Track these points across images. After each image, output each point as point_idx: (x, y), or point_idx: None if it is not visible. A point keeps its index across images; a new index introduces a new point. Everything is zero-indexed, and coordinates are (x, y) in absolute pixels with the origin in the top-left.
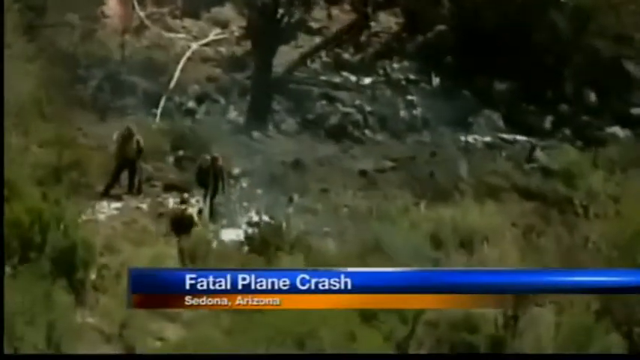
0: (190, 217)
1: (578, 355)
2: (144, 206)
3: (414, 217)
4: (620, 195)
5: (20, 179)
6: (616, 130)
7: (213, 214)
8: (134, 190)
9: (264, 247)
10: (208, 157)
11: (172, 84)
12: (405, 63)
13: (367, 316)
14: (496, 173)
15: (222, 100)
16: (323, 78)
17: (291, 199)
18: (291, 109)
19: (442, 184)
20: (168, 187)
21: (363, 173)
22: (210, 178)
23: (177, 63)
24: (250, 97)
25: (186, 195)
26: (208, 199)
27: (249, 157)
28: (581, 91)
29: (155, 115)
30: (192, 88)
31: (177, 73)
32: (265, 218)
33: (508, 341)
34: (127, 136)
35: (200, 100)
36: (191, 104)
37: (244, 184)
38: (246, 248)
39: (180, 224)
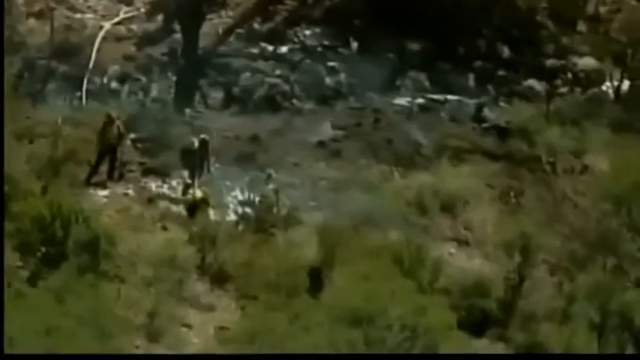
0: (203, 199)
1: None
2: (130, 192)
3: (395, 185)
4: (581, 150)
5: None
6: (532, 83)
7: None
8: (114, 176)
9: (258, 224)
10: (194, 139)
11: (91, 65)
12: (316, 29)
13: None
14: (454, 136)
15: (144, 79)
16: (243, 50)
17: (269, 176)
18: (219, 83)
19: (403, 150)
20: (147, 172)
21: (321, 144)
22: (197, 159)
23: (92, 44)
24: (178, 73)
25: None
26: (197, 180)
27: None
28: (496, 47)
29: (80, 98)
30: (112, 68)
31: (94, 54)
32: (251, 195)
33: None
34: (107, 123)
35: (122, 79)
36: (114, 85)
37: (216, 164)
38: (240, 227)
39: (193, 208)
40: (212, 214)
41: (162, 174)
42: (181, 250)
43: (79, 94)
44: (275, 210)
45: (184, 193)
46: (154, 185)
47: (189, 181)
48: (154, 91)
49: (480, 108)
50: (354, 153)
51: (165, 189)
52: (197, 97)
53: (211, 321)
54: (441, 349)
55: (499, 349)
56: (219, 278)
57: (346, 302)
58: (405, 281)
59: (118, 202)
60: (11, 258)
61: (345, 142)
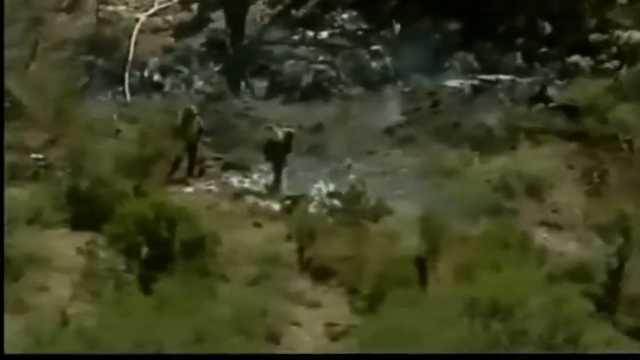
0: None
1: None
2: (213, 188)
3: (476, 170)
4: None
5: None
6: (577, 59)
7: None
8: (194, 173)
9: (349, 217)
10: (279, 132)
11: (130, 58)
12: (353, 12)
13: None
14: (522, 117)
15: (185, 70)
16: (283, 37)
17: (349, 166)
18: (264, 71)
19: (474, 133)
20: (226, 167)
21: (389, 131)
22: (282, 153)
23: (128, 37)
24: (225, 62)
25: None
26: (284, 173)
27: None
28: (536, 23)
29: (122, 92)
30: (152, 60)
31: (132, 47)
32: (332, 187)
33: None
34: (187, 118)
35: (163, 72)
36: (157, 77)
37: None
38: (330, 220)
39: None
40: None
41: (242, 168)
42: (282, 246)
43: (119, 88)
44: (364, 201)
45: (274, 187)
46: (235, 180)
47: (273, 175)
48: (198, 83)
49: (543, 87)
50: (425, 138)
51: (247, 183)
52: (242, 87)
53: (320, 318)
54: (584, 339)
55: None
56: (321, 274)
57: (483, 294)
58: (534, 270)
59: (204, 199)
60: (115, 261)
61: (411, 128)
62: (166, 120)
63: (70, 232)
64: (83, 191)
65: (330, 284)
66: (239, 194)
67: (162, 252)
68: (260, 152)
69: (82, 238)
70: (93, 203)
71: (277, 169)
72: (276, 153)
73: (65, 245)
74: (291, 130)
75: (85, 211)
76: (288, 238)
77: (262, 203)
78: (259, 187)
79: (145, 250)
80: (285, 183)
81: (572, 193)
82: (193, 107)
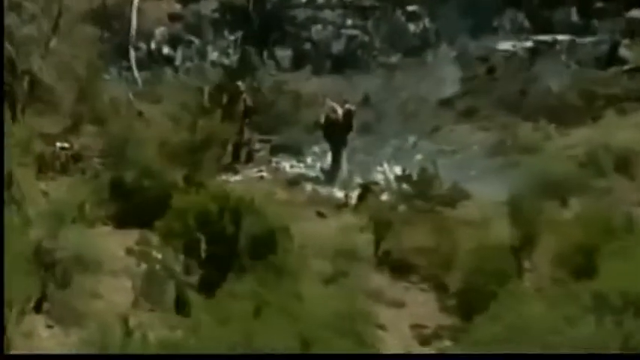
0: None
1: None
2: (265, 174)
3: (557, 144)
4: None
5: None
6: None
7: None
8: (242, 158)
9: (423, 203)
10: (338, 108)
11: (133, 29)
12: None
13: None
14: (596, 82)
15: (197, 41)
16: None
17: (415, 144)
18: (289, 39)
19: (544, 102)
20: (275, 150)
21: (445, 102)
22: (341, 132)
23: (130, 4)
24: (244, 31)
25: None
26: (344, 154)
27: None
28: None
29: (128, 68)
30: (159, 30)
31: (134, 15)
32: (398, 170)
33: None
34: (234, 95)
35: (173, 43)
36: (166, 50)
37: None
38: (402, 207)
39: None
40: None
41: (294, 151)
42: (357, 238)
43: (125, 63)
44: (437, 184)
45: (332, 172)
46: (287, 165)
47: (331, 158)
48: (212, 55)
49: (614, 47)
50: (489, 110)
51: (302, 169)
52: (265, 57)
53: (405, 319)
54: None
55: None
56: (401, 268)
57: (607, 286)
58: None
59: (257, 187)
60: (172, 262)
61: (469, 99)
62: (192, 98)
63: (115, 230)
64: (128, 183)
65: (412, 280)
66: (294, 181)
67: (227, 250)
68: (309, 133)
69: (130, 236)
70: (140, 197)
71: (336, 152)
72: (336, 133)
73: (112, 245)
74: (352, 106)
75: (130, 207)
76: (361, 229)
77: (322, 190)
78: (315, 172)
79: (203, 248)
80: (345, 166)
81: None
82: (240, 84)
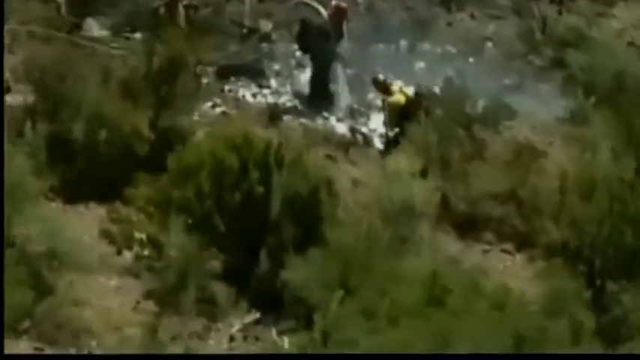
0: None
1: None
2: (226, 109)
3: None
4: None
5: None
6: None
7: None
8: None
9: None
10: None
11: None
12: None
13: None
14: None
15: None
16: None
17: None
18: None
19: None
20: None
21: None
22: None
23: None
24: None
25: None
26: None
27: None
28: None
29: None
30: None
31: None
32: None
33: None
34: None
35: None
36: None
37: None
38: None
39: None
40: None
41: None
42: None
43: None
44: (470, 104)
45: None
46: (247, 94)
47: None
48: None
49: None
50: None
51: (269, 96)
52: None
53: None
54: None
55: None
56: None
57: None
58: None
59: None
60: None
61: None
62: None
63: (66, 206)
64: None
65: (487, 239)
66: (274, 114)
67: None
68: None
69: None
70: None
71: (322, 68)
72: (320, 43)
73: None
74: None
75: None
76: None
77: (311, 125)
78: (290, 99)
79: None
80: (343, 88)
81: None
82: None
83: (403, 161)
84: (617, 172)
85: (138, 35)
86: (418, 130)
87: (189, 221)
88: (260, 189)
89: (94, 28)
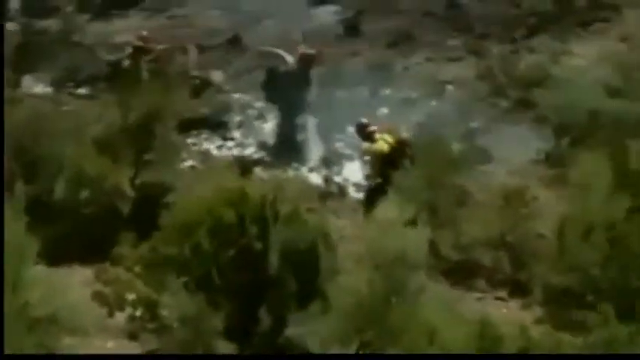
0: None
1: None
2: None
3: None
4: None
5: None
6: None
7: None
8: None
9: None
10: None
11: None
12: None
13: None
14: None
15: None
16: None
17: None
18: None
19: None
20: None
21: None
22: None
23: None
24: None
25: None
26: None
27: None
28: None
29: None
30: None
31: None
32: None
33: None
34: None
35: None
36: None
37: None
38: None
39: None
40: None
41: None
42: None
43: None
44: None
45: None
46: (211, 146)
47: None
48: None
49: None
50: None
51: (235, 148)
52: None
53: None
54: None
55: None
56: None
57: None
58: None
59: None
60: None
61: None
62: None
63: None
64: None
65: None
66: (244, 167)
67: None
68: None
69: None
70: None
71: (290, 116)
72: (285, 91)
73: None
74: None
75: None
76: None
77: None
78: (255, 150)
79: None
80: (313, 136)
81: None
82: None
83: (394, 211)
84: (612, 211)
85: (82, 91)
86: (405, 178)
87: (187, 279)
88: (258, 244)
89: (33, 84)
